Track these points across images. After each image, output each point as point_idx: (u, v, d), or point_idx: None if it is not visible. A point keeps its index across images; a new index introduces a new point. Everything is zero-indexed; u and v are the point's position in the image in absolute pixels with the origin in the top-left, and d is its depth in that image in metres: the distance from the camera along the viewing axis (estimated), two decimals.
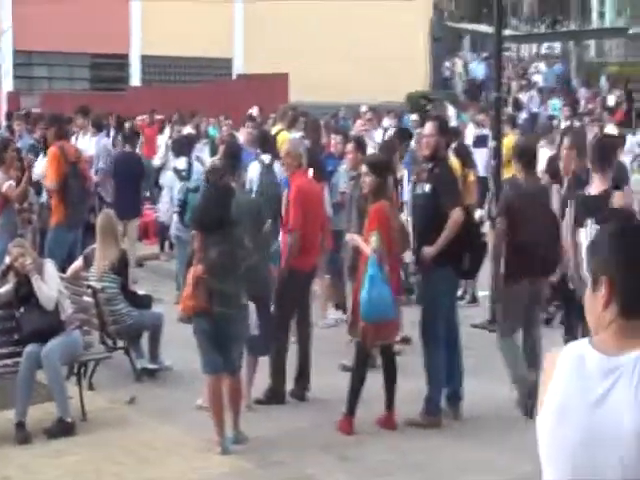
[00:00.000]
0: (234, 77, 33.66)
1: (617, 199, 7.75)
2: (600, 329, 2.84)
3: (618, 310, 2.80)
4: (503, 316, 8.67)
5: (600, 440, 2.69)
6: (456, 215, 7.99)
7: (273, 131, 14.11)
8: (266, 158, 11.18)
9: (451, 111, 26.96)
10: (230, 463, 7.28)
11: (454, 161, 10.19)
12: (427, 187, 8.21)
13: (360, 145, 10.28)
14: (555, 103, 29.75)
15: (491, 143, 12.28)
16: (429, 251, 7.96)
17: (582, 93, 37.16)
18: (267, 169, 10.96)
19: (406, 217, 9.83)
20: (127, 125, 17.95)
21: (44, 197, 12.57)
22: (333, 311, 11.31)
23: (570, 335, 8.72)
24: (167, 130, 19.12)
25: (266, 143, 11.80)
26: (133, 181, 13.68)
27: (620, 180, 10.75)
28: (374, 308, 7.59)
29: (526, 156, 8.62)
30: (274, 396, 8.60)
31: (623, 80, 41.51)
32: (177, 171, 12.42)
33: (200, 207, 7.85)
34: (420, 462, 7.27)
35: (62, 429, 7.78)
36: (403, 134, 13.21)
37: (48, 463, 7.30)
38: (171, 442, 7.68)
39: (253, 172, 11.27)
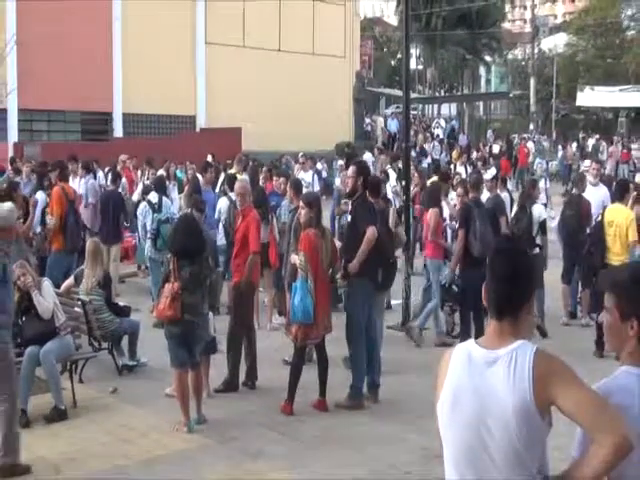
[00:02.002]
0: (197, 130, 33.51)
1: None
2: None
3: (490, 313, 2.90)
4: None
5: (488, 418, 2.74)
6: (370, 232, 7.97)
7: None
8: (233, 195, 11.36)
9: (368, 156, 27.43)
10: (194, 440, 7.22)
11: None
12: (349, 217, 8.27)
13: (296, 185, 10.32)
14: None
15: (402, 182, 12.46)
16: (352, 266, 8.01)
17: (464, 142, 37.74)
18: (234, 204, 11.14)
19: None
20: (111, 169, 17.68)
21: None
22: (277, 317, 11.30)
23: (465, 336, 8.75)
24: (145, 172, 18.93)
25: (234, 184, 11.94)
26: (115, 213, 13.55)
27: (498, 211, 10.91)
28: (297, 312, 7.62)
29: (373, 187, 8.92)
30: (229, 386, 8.57)
31: (505, 133, 42.42)
32: (151, 204, 12.36)
33: (175, 238, 7.74)
34: (346, 436, 7.29)
35: (57, 415, 7.71)
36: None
37: (46, 443, 7.19)
38: (146, 424, 7.61)
39: (222, 205, 11.58)
